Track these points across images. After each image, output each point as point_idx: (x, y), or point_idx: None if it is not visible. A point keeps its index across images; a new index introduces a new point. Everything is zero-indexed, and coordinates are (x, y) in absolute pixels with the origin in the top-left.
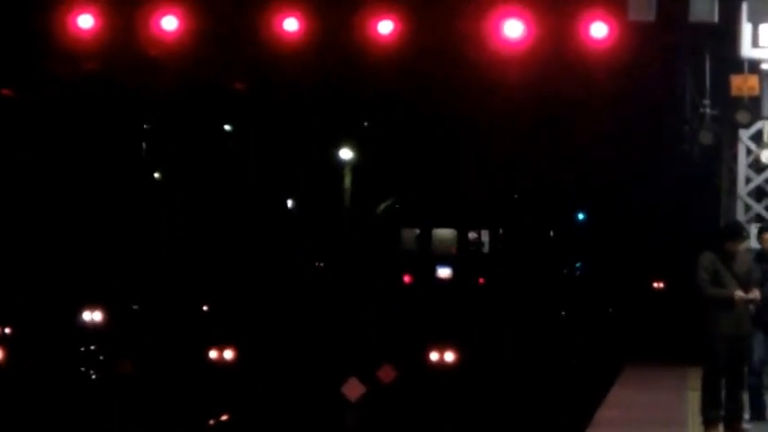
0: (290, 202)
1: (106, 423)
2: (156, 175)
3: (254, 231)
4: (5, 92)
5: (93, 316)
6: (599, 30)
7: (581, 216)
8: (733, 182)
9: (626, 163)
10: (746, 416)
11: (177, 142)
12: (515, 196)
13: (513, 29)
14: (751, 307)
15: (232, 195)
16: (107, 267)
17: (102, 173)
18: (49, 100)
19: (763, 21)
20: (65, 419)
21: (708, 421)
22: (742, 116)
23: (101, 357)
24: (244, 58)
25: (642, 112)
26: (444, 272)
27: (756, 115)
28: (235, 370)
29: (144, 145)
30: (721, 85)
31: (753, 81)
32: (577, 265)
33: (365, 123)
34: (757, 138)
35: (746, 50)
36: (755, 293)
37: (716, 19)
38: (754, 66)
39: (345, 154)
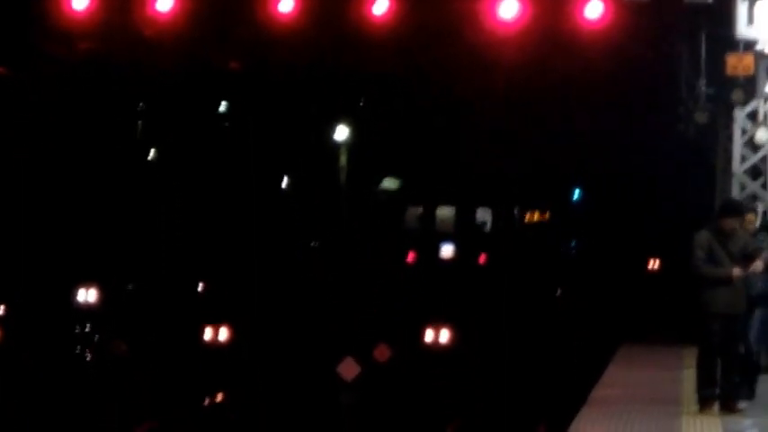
0: (285, 182)
1: (102, 404)
2: (152, 154)
3: (250, 211)
4: (0, 70)
5: (87, 296)
6: (594, 9)
7: (576, 195)
8: (728, 161)
9: (621, 142)
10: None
11: (172, 122)
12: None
13: (509, 8)
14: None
15: (227, 175)
16: (102, 247)
17: (97, 152)
18: (43, 79)
19: None
20: (60, 400)
21: (703, 399)
22: (737, 95)
23: (95, 338)
24: (239, 37)
25: (637, 92)
26: (447, 250)
27: (751, 94)
28: (230, 349)
29: (139, 124)
30: (717, 65)
31: (748, 60)
32: (573, 244)
33: (360, 103)
34: (752, 117)
35: (742, 30)
36: (757, 265)
37: None
38: (749, 45)
39: (341, 133)
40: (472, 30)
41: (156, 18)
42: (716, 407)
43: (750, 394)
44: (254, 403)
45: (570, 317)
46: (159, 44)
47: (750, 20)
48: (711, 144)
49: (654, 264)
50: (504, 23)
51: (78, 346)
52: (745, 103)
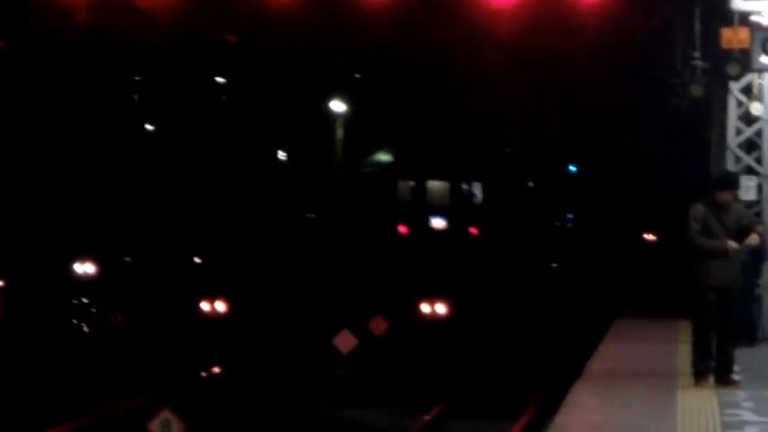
0: (281, 154)
1: (98, 375)
2: (148, 127)
3: (247, 183)
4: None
5: (84, 268)
6: None
7: (572, 169)
8: (723, 134)
9: (616, 116)
10: (737, 368)
11: (169, 94)
12: (507, 149)
13: None
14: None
15: (224, 148)
16: (99, 219)
17: (93, 125)
18: (39, 52)
19: None
20: (57, 372)
21: (698, 373)
22: (732, 68)
23: (92, 310)
24: (235, 10)
25: (632, 66)
26: (438, 222)
27: (747, 67)
28: (226, 322)
29: (135, 97)
30: (712, 38)
31: (743, 33)
32: (569, 216)
33: (357, 75)
34: (747, 90)
35: (737, 2)
36: (753, 238)
37: None
38: (744, 18)
39: (337, 106)
40: (468, 2)
41: None
42: (711, 380)
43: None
44: (251, 376)
45: (566, 290)
46: (155, 16)
47: None
48: (706, 117)
49: (649, 237)
50: None
51: (76, 318)
52: (740, 76)
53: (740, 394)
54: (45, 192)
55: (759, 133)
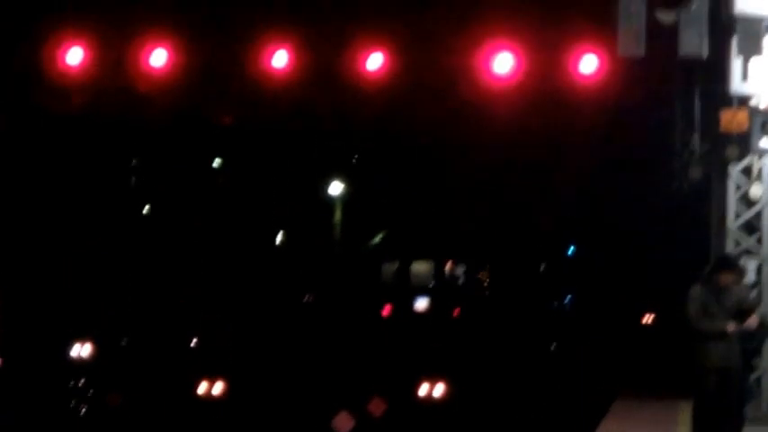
0: (279, 237)
1: None
2: (146, 209)
3: (244, 267)
4: None
5: (81, 351)
6: (589, 64)
7: (571, 250)
8: (722, 216)
9: (615, 196)
10: None
11: (166, 177)
12: (494, 230)
13: (503, 63)
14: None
15: (221, 231)
16: (95, 301)
17: (90, 207)
18: (37, 133)
19: (752, 55)
20: None
21: None
22: (731, 151)
23: (90, 392)
24: (232, 92)
25: (631, 148)
26: (422, 303)
27: (745, 150)
28: (224, 403)
29: (132, 180)
30: (711, 121)
31: (742, 116)
32: (567, 298)
33: (354, 158)
34: (747, 172)
35: (736, 86)
36: (753, 320)
37: (705, 54)
38: (743, 101)
39: (335, 188)
40: (466, 85)
41: (150, 73)
42: None
43: None
44: None
45: (565, 370)
46: (153, 99)
47: (744, 76)
48: (705, 200)
49: (649, 319)
50: (499, 78)
51: (72, 400)
52: (739, 159)
53: None
54: (41, 272)
55: (759, 215)
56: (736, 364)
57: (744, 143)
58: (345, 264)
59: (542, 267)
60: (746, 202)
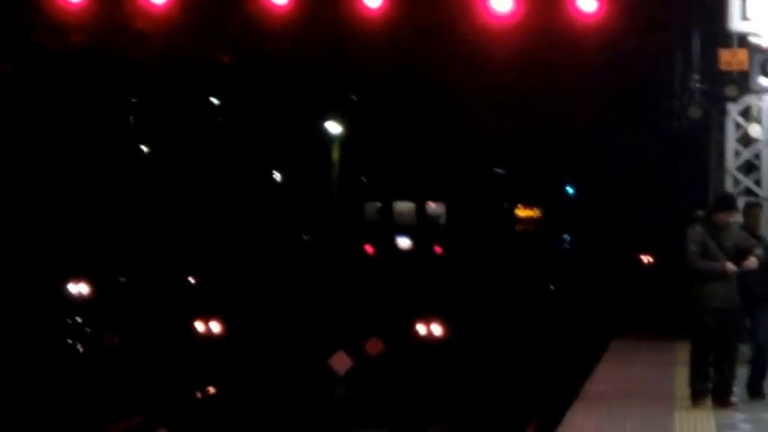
0: (277, 176)
1: (93, 396)
2: (144, 148)
3: (242, 205)
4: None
5: (79, 288)
6: (588, 3)
7: (570, 190)
8: (721, 156)
9: (614, 137)
10: (735, 389)
11: (164, 116)
12: (501, 170)
13: (503, 2)
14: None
15: (219, 169)
16: (94, 239)
17: (89, 145)
18: (35, 72)
19: None
20: (52, 392)
21: (696, 394)
22: (731, 91)
23: (87, 330)
24: (232, 31)
25: (630, 87)
26: (404, 242)
27: (745, 89)
28: (221, 342)
29: (131, 118)
30: (710, 60)
31: (742, 55)
32: (566, 238)
33: (353, 97)
34: (746, 112)
35: (735, 24)
36: (752, 262)
37: None
38: (742, 39)
39: (333, 128)
40: (466, 24)
41: (150, 10)
42: (709, 401)
43: (757, 393)
44: (246, 396)
45: (563, 311)
46: (151, 36)
47: (743, 14)
48: (704, 139)
49: (647, 259)
50: (498, 17)
51: (70, 338)
52: (738, 98)
53: (738, 416)
54: (39, 211)
55: (758, 155)
56: (734, 305)
57: (743, 82)
58: (340, 205)
59: (540, 208)
60: (746, 141)
